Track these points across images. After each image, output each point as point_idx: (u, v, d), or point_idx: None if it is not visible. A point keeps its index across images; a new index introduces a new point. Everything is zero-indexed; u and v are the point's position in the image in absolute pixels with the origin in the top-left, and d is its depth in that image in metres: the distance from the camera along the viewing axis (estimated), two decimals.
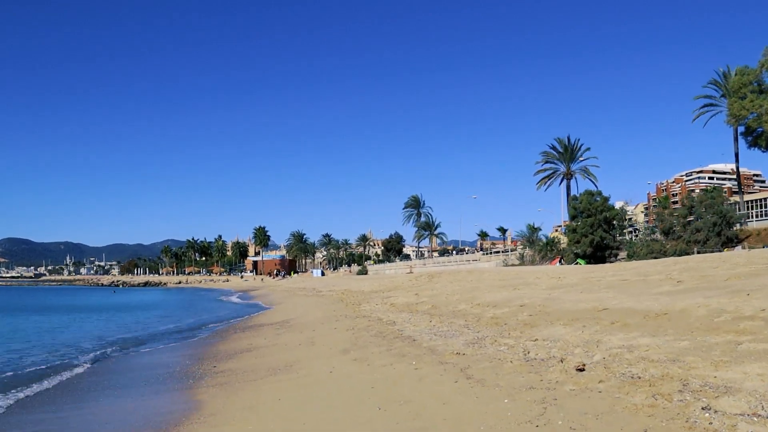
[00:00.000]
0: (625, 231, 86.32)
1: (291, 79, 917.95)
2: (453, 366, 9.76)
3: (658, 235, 64.53)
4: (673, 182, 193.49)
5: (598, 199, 56.32)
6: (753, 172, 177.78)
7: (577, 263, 50.78)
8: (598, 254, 53.48)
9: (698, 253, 44.30)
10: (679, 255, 43.86)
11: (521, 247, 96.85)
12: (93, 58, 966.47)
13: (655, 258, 45.37)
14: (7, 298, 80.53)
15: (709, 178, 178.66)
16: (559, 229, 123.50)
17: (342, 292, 47.91)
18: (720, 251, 43.79)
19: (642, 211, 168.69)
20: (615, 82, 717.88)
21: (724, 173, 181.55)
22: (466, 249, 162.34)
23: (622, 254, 57.39)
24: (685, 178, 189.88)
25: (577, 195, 59.54)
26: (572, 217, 59.02)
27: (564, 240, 72.07)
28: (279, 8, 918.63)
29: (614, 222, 58.53)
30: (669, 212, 61.99)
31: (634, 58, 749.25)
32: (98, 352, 20.04)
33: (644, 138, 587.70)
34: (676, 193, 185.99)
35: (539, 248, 68.00)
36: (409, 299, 26.74)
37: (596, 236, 53.45)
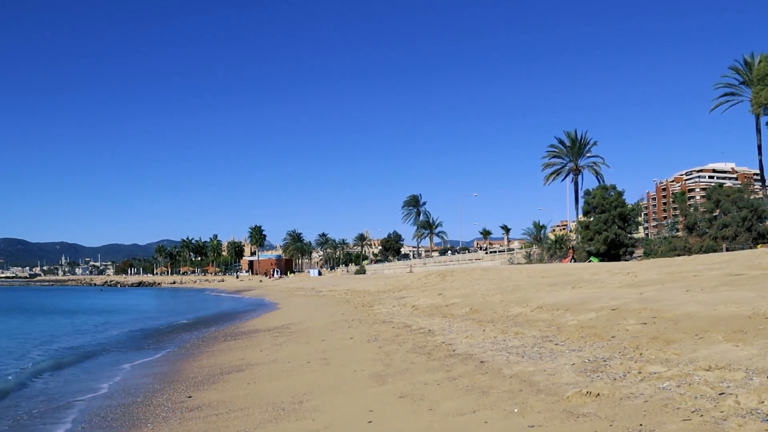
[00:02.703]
0: (640, 228, 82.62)
1: (286, 78, 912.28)
2: (607, 424, 5.32)
3: (677, 232, 61.18)
4: (673, 181, 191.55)
5: (612, 193, 52.87)
6: (754, 171, 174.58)
7: (590, 261, 47.10)
8: (612, 252, 50.08)
9: (727, 250, 40.68)
10: (706, 252, 40.48)
11: (522, 246, 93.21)
12: (87, 58, 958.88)
13: (679, 255, 41.68)
14: None
15: (710, 177, 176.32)
16: (557, 228, 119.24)
17: (345, 292, 43.60)
18: (752, 248, 40.19)
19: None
20: (614, 82, 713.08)
21: (725, 172, 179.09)
22: (470, 248, 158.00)
23: (638, 252, 53.88)
24: (684, 177, 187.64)
25: (590, 190, 56.08)
26: (585, 213, 55.79)
27: (573, 237, 68.53)
28: (273, 7, 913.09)
29: (629, 218, 55.27)
30: (694, 207, 58.76)
31: (632, 58, 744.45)
32: (40, 365, 15.51)
33: (641, 137, 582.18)
34: (676, 192, 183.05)
35: (548, 246, 64.85)
36: (434, 300, 22.30)
37: (611, 233, 50.04)
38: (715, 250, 41.84)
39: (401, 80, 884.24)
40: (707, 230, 48.60)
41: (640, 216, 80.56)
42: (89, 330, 27.55)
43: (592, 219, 53.15)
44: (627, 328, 10.05)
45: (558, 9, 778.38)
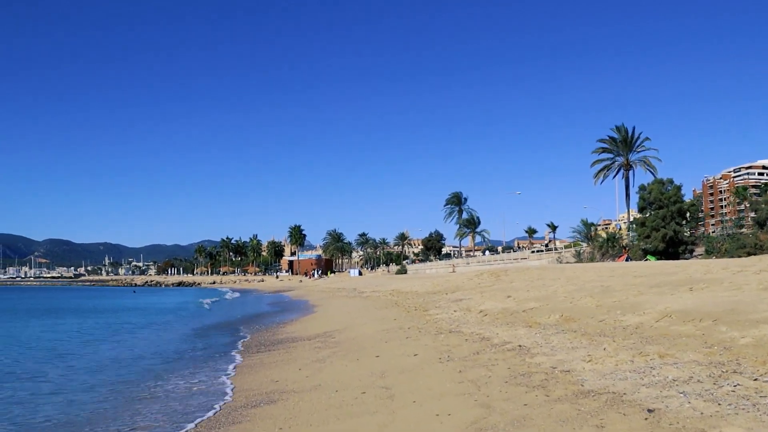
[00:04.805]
0: (699, 224, 77.75)
1: (327, 77, 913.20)
2: None
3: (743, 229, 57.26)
4: (721, 178, 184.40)
5: (669, 188, 48.77)
6: None
7: (646, 260, 43.45)
8: (671, 250, 46.23)
9: None
10: None
11: (565, 245, 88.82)
12: (125, 58, 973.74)
13: (749, 254, 37.68)
14: (18, 298, 74.75)
15: (759, 173, 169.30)
16: (598, 227, 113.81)
17: (390, 293, 40.20)
18: None
19: None
20: (656, 80, 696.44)
21: None
22: (513, 248, 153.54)
23: (699, 250, 49.94)
24: (732, 174, 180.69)
25: (646, 185, 52.15)
26: (640, 209, 51.97)
27: (624, 235, 64.46)
28: (316, 7, 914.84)
29: (688, 214, 51.25)
30: (765, 200, 54.70)
31: (673, 56, 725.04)
32: None
33: (682, 135, 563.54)
34: (723, 190, 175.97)
35: (599, 244, 61.11)
36: (504, 304, 18.73)
37: (669, 230, 46.07)
38: None
39: (443, 79, 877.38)
40: None
41: (700, 212, 75.80)
42: (94, 339, 24.56)
43: (648, 215, 49.43)
44: None
45: (598, 8, 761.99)
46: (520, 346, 10.88)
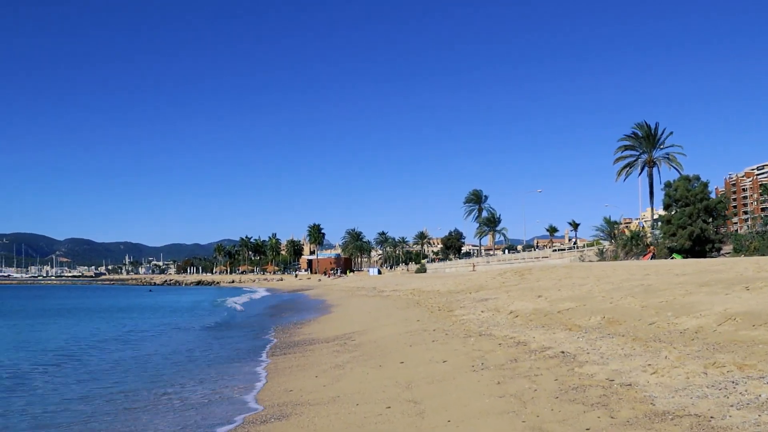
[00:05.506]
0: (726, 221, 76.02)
1: (345, 77, 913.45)
2: None
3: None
4: (744, 176, 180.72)
5: (696, 185, 47.20)
6: None
7: (672, 258, 42.00)
8: (697, 248, 44.75)
9: None
10: None
11: (585, 243, 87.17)
12: (141, 57, 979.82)
13: None
14: (35, 297, 74.45)
15: None
16: (619, 225, 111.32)
17: (411, 293, 38.97)
18: None
19: None
20: (677, 78, 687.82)
21: None
22: (533, 247, 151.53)
23: (726, 248, 48.31)
24: (756, 172, 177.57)
25: (672, 181, 50.63)
26: (666, 206, 50.48)
27: (649, 233, 62.81)
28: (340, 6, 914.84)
29: (715, 212, 49.58)
30: None
31: (693, 54, 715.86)
32: None
33: (701, 133, 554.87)
34: (747, 188, 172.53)
35: (623, 243, 59.53)
36: (536, 305, 17.46)
37: (696, 228, 44.52)
38: None
39: (462, 77, 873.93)
40: None
41: (727, 209, 73.88)
42: (103, 340, 23.63)
43: (674, 213, 48.03)
44: None
45: (621, 5, 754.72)
46: (563, 352, 9.66)
